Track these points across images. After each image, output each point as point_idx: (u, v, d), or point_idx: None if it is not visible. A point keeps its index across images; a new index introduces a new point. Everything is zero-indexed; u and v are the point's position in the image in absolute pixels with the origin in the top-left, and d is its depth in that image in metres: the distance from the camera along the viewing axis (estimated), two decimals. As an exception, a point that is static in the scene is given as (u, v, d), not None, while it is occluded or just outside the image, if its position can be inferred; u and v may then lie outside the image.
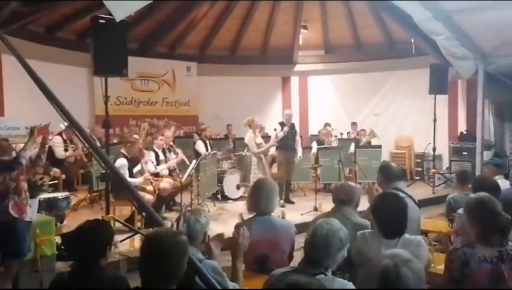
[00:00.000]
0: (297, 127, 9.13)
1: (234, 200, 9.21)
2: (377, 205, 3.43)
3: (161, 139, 8.32)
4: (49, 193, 6.61)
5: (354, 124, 12.40)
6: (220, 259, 3.21)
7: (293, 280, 1.92)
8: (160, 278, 2.28)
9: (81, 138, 3.34)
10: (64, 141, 9.18)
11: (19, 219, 4.51)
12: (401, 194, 3.96)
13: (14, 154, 4.87)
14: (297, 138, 9.21)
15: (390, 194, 3.64)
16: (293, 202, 9.08)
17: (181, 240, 2.37)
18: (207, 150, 9.32)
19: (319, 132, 11.86)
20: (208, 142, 9.70)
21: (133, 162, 7.27)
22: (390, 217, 3.28)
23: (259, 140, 8.30)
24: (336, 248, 2.64)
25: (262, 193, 3.77)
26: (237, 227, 3.76)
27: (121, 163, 6.91)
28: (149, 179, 7.29)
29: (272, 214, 3.80)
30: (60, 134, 8.92)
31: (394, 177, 4.45)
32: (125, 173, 6.81)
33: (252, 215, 3.83)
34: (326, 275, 2.59)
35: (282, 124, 8.91)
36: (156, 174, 7.83)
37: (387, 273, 2.19)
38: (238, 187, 8.99)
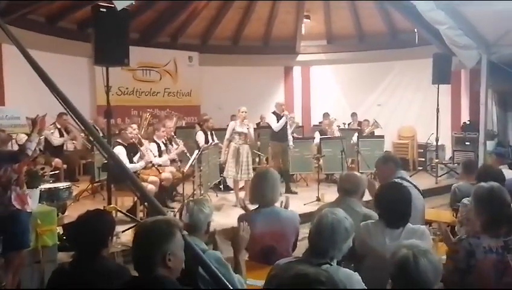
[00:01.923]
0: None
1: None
2: (380, 195, 3.41)
3: (163, 131, 8.29)
4: (50, 183, 6.59)
5: (354, 114, 12.37)
6: (224, 249, 3.19)
7: (300, 270, 1.85)
8: (138, 264, 2.26)
9: (83, 128, 3.31)
10: (59, 130, 9.25)
11: (22, 210, 4.50)
12: (405, 183, 3.95)
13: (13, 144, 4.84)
14: (288, 126, 9.24)
15: (393, 184, 3.62)
16: (295, 192, 9.06)
17: (158, 227, 2.29)
18: (207, 141, 9.26)
19: (320, 122, 11.81)
20: (209, 133, 9.64)
21: (130, 149, 7.26)
22: (393, 206, 3.26)
23: (241, 129, 8.22)
24: (342, 238, 2.61)
25: (265, 183, 3.73)
26: (240, 219, 3.74)
27: (118, 152, 6.77)
28: (151, 162, 7.28)
29: (276, 204, 3.77)
30: (53, 123, 8.92)
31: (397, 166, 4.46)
32: (125, 161, 6.77)
33: (256, 207, 3.79)
34: (331, 265, 2.56)
35: (276, 114, 8.91)
36: (158, 165, 7.81)
37: (405, 263, 2.15)
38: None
